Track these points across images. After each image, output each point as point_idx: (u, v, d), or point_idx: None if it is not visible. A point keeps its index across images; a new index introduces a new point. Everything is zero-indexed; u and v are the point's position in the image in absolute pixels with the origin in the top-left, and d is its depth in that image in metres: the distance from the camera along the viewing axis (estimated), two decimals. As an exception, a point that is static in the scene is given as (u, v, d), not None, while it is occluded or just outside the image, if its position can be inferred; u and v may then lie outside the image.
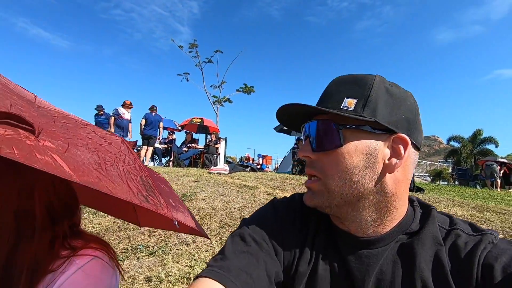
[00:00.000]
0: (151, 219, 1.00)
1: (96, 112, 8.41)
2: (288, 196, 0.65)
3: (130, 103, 8.28)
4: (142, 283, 1.86)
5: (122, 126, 8.03)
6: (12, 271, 0.61)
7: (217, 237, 2.59)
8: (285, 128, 10.88)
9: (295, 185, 5.14)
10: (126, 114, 8.13)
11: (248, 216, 0.61)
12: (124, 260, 2.18)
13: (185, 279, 1.88)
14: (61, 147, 0.50)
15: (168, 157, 10.41)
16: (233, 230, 2.88)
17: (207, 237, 1.05)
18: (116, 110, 7.99)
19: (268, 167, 17.63)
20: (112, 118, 7.85)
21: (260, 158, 17.34)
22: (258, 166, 13.96)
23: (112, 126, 7.80)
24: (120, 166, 0.63)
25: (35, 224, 0.62)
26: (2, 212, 0.60)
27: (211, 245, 2.44)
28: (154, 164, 9.96)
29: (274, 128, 11.47)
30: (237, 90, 17.52)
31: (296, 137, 10.31)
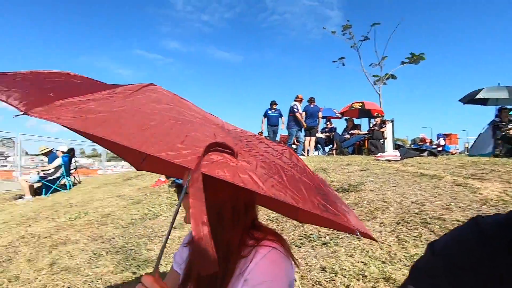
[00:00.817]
0: (310, 216, 1.03)
1: (270, 107, 9.32)
2: (501, 212, 0.43)
3: (302, 97, 8.96)
4: (318, 272, 2.00)
5: (297, 121, 8.76)
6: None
7: (393, 234, 2.36)
8: (477, 97, 8.31)
9: (501, 172, 3.81)
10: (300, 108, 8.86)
11: (437, 240, 0.45)
12: (300, 247, 2.42)
13: (361, 276, 1.85)
14: (253, 165, 0.60)
15: (331, 145, 10.54)
16: (411, 228, 2.51)
17: (374, 239, 0.97)
18: (296, 106, 8.71)
19: (454, 149, 14.17)
20: (298, 114, 8.63)
21: (441, 138, 14.13)
22: (439, 148, 11.48)
23: (302, 120, 8.67)
24: (296, 175, 0.69)
25: (239, 217, 0.79)
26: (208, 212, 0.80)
27: (386, 242, 2.26)
28: (318, 153, 10.41)
29: (460, 100, 9.00)
30: (403, 62, 15.12)
31: (498, 106, 7.60)
